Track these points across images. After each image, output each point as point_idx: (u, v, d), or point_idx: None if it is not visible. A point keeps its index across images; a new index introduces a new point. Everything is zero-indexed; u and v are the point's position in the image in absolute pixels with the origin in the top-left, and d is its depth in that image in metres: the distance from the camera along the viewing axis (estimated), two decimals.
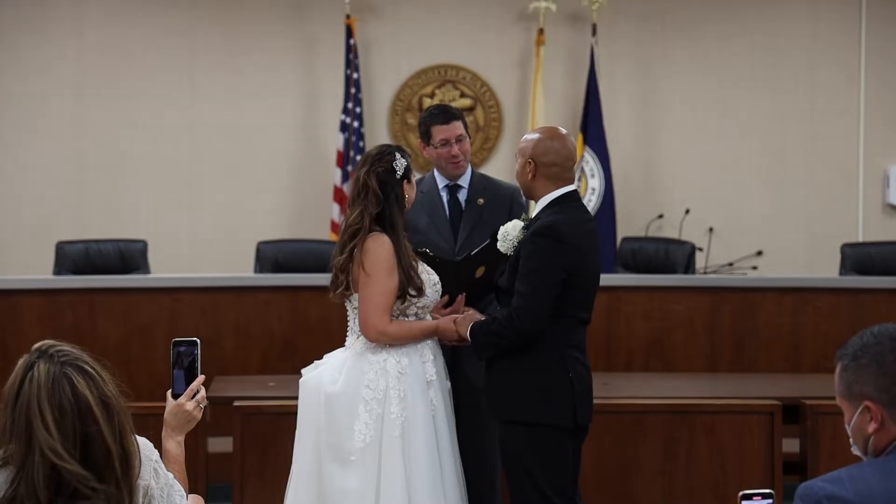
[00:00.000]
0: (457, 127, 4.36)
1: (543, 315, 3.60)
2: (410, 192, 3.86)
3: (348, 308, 3.89)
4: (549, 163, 3.69)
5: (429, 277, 3.86)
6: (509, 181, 4.55)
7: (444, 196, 4.45)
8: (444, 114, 4.39)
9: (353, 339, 3.86)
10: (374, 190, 3.77)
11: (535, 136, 3.77)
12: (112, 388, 2.44)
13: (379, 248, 3.73)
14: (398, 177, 3.80)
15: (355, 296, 3.80)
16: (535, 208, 3.78)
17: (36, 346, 2.46)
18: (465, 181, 4.44)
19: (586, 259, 3.69)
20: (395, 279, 3.73)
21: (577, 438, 3.77)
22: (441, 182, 4.46)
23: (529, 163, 3.70)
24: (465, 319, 3.80)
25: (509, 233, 3.76)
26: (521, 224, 3.76)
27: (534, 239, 3.64)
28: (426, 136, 4.42)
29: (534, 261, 3.60)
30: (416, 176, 3.99)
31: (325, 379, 3.80)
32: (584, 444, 3.85)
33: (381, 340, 3.77)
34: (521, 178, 3.77)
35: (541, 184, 3.71)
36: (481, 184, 4.45)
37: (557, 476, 3.68)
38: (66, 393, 2.38)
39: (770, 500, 2.38)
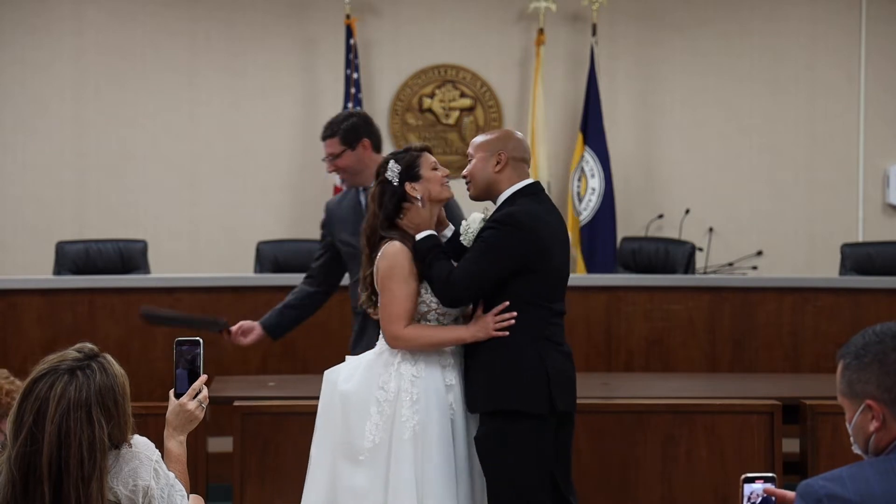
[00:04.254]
0: (327, 145, 4.55)
1: (472, 291, 3.68)
2: (426, 186, 3.82)
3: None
4: (518, 157, 3.82)
5: None
6: None
7: (362, 199, 4.62)
8: (325, 129, 4.57)
9: (381, 341, 3.89)
10: (375, 199, 3.84)
11: (498, 133, 3.90)
12: (85, 431, 2.47)
13: (394, 256, 3.75)
14: (396, 183, 3.82)
15: None
16: (498, 201, 3.82)
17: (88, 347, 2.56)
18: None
19: (546, 249, 3.72)
20: (413, 285, 3.74)
21: (561, 428, 3.77)
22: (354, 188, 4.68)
23: (500, 155, 3.78)
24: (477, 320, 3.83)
25: (470, 226, 3.82)
26: (481, 216, 3.82)
27: (493, 224, 3.72)
28: None
29: (488, 241, 3.69)
30: (422, 166, 3.86)
31: (341, 376, 3.82)
32: (572, 434, 3.84)
33: (397, 345, 3.78)
34: (482, 173, 3.81)
35: (506, 176, 3.79)
36: None
37: (535, 467, 3.67)
38: (42, 385, 2.49)
39: (772, 485, 2.39)
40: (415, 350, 3.77)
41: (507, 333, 3.69)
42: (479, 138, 3.88)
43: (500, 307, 3.71)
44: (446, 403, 3.76)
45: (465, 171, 3.85)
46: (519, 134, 3.92)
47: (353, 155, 4.52)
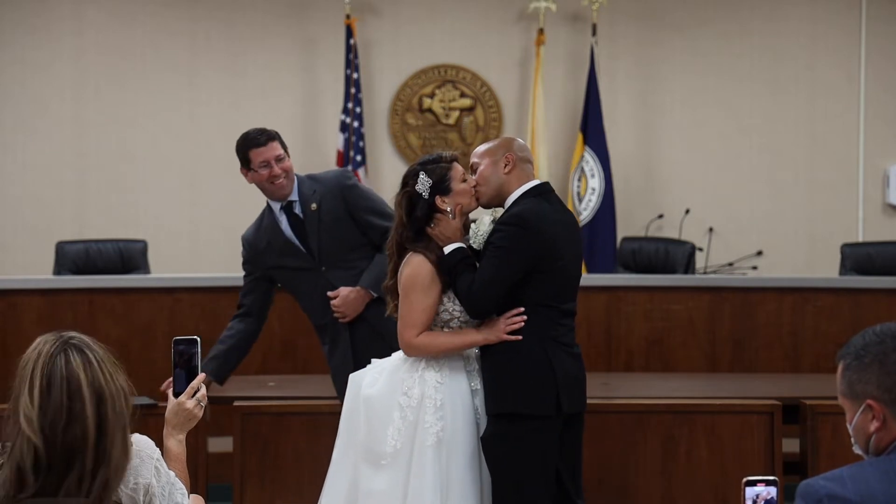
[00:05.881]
0: (270, 149, 4.49)
1: (493, 298, 3.68)
2: (456, 199, 3.82)
3: None
4: (524, 158, 3.86)
5: None
6: None
7: (284, 218, 4.58)
8: (260, 136, 4.51)
9: None
10: (402, 208, 3.84)
11: (500, 139, 3.95)
12: (113, 384, 2.49)
13: (417, 266, 3.76)
14: (426, 197, 3.81)
15: None
16: (507, 203, 3.83)
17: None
18: (294, 195, 4.57)
19: (556, 248, 3.72)
20: (432, 297, 3.75)
21: (569, 427, 3.77)
22: (276, 207, 4.60)
23: (508, 156, 3.81)
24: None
25: (479, 228, 3.83)
26: (490, 219, 3.83)
27: (500, 227, 3.74)
28: (246, 162, 4.54)
29: (500, 245, 3.69)
30: (452, 179, 3.84)
31: (365, 380, 3.83)
32: (581, 435, 3.84)
33: (410, 353, 3.80)
34: (493, 176, 3.82)
35: (515, 176, 3.82)
36: (308, 189, 4.58)
37: (540, 468, 3.67)
38: (58, 366, 2.51)
39: (774, 488, 2.39)
40: (439, 356, 3.78)
41: (520, 337, 3.69)
42: (482, 147, 3.90)
43: (512, 312, 3.72)
44: (472, 408, 3.78)
45: (474, 179, 3.85)
46: (519, 139, 3.95)
47: (289, 160, 4.57)
